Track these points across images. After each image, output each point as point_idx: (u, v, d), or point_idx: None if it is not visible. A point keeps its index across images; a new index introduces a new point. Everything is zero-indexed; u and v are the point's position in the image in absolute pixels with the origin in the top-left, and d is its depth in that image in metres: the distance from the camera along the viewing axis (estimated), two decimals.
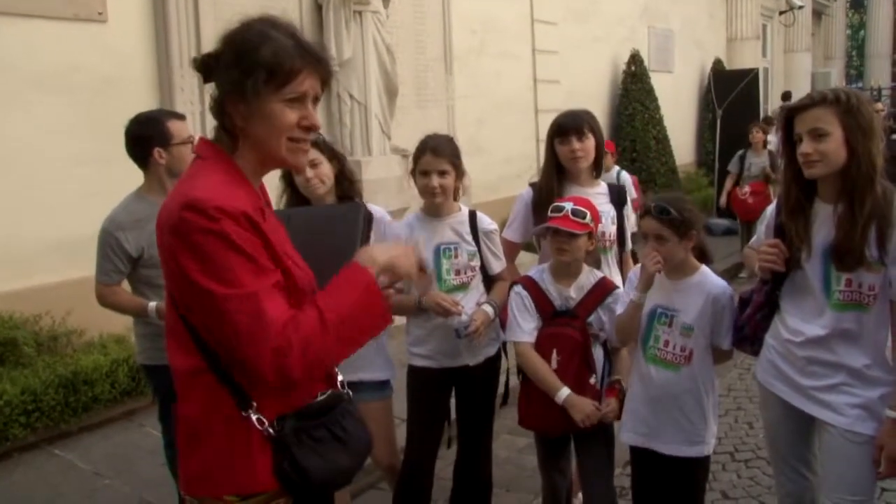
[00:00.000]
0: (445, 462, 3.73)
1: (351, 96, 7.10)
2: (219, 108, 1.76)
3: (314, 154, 3.12)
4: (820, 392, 2.60)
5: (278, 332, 1.60)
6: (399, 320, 3.25)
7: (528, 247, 4.02)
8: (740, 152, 9.87)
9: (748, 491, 4.17)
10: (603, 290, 3.17)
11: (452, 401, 3.47)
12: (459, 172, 3.26)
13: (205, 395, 1.74)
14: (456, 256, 3.27)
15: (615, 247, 3.57)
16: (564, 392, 3.00)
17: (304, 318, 1.64)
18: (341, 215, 2.03)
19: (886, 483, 3.74)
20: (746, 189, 9.39)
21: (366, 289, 1.71)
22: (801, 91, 19.66)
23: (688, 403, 2.93)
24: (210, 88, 1.79)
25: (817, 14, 25.89)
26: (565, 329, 3.08)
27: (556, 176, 3.53)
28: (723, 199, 9.98)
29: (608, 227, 3.49)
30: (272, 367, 1.60)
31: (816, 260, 2.56)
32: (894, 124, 9.00)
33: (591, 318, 3.13)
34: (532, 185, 3.68)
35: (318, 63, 1.76)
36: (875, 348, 2.54)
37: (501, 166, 9.46)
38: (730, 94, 14.34)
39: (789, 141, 2.58)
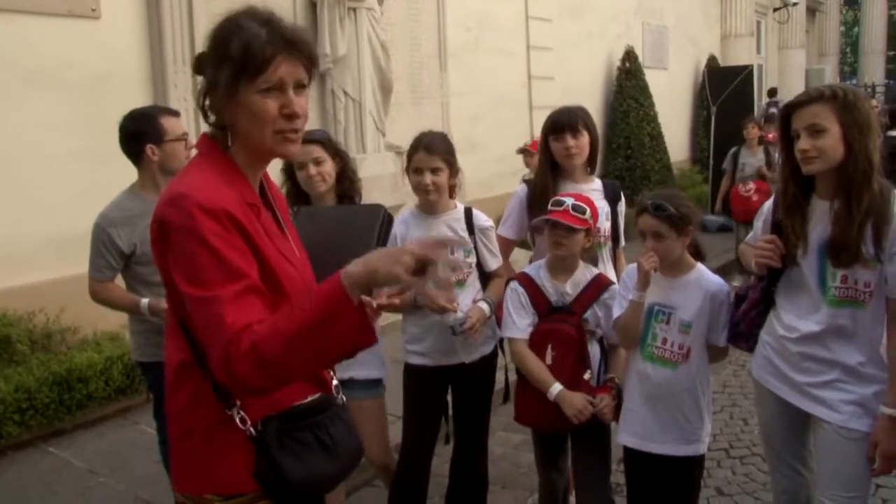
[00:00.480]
0: (442, 459, 3.73)
1: (345, 93, 7.08)
2: (203, 104, 1.75)
3: (319, 152, 3.13)
4: (815, 388, 2.60)
5: (230, 339, 1.54)
6: (395, 317, 3.25)
7: (523, 244, 4.01)
8: (734, 149, 9.35)
9: (743, 488, 4.17)
10: (599, 286, 3.17)
11: (449, 397, 3.46)
12: (453, 170, 3.26)
13: (191, 389, 1.73)
14: (452, 254, 3.25)
15: (609, 243, 3.57)
16: (556, 388, 3.00)
17: (261, 325, 1.57)
18: (362, 217, 1.99)
19: (882, 479, 3.75)
20: (751, 186, 8.75)
21: (333, 301, 1.56)
22: (795, 88, 19.76)
23: (685, 401, 2.93)
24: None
25: (811, 11, 25.92)
26: (561, 325, 3.08)
27: (550, 173, 3.52)
28: (718, 202, 9.30)
29: (602, 223, 3.48)
30: (222, 369, 1.57)
31: (812, 256, 2.56)
32: (889, 121, 8.86)
33: (588, 315, 3.13)
34: (526, 181, 3.68)
35: (294, 49, 1.69)
36: (870, 345, 2.54)
37: (496, 163, 9.45)
38: (724, 91, 14.33)
39: (787, 137, 2.58)
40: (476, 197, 7.82)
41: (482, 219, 3.38)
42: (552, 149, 3.50)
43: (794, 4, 21.20)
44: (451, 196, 3.33)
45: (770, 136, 9.15)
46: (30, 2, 5.18)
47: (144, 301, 3.25)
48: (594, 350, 3.17)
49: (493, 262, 3.39)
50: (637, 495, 3.12)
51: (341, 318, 1.56)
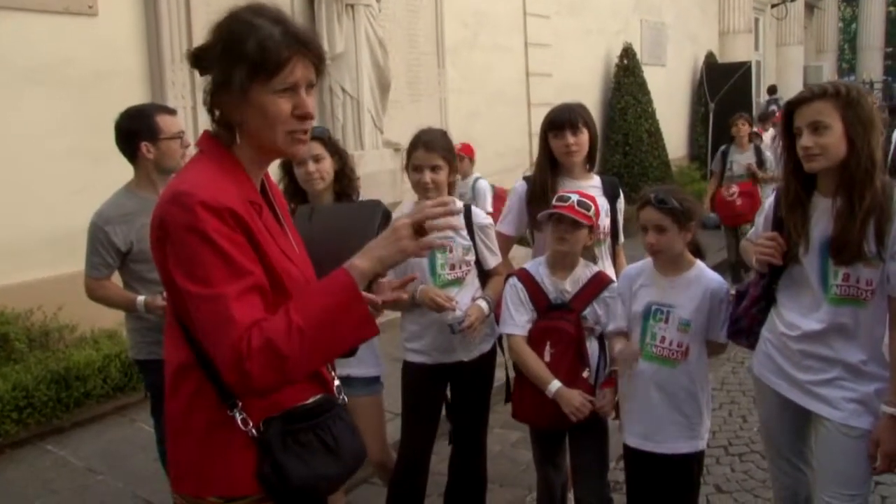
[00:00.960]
0: (440, 457, 3.72)
1: (343, 90, 7.07)
2: (212, 103, 1.73)
3: (319, 149, 3.12)
4: (815, 386, 2.60)
5: (240, 336, 1.54)
6: (394, 315, 3.24)
7: (522, 241, 4.01)
8: (723, 148, 8.66)
9: (742, 485, 4.17)
10: (598, 283, 3.16)
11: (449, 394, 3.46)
12: (453, 167, 3.26)
13: (192, 391, 1.71)
14: (450, 251, 3.25)
15: (608, 239, 3.57)
16: (555, 385, 3.00)
17: (272, 322, 1.57)
18: (360, 214, 1.99)
19: (880, 476, 3.74)
20: (734, 189, 8.11)
21: (343, 293, 1.61)
22: (793, 85, 19.77)
23: (684, 399, 2.93)
24: (202, 82, 1.76)
25: (809, 7, 25.91)
26: (559, 322, 3.08)
27: (549, 169, 3.52)
28: (706, 204, 8.39)
29: (602, 220, 3.48)
30: (232, 369, 1.55)
31: (814, 254, 2.55)
32: (890, 117, 8.74)
33: (587, 312, 3.12)
34: (526, 178, 3.67)
35: (307, 49, 1.70)
36: (871, 344, 2.53)
37: (494, 160, 9.43)
38: (722, 88, 14.36)
39: (789, 134, 2.57)
40: None
41: (481, 216, 3.37)
42: (552, 146, 3.49)
43: (793, 1, 21.18)
44: (450, 193, 3.32)
45: (761, 132, 9.02)
46: None
47: (140, 298, 3.24)
48: (593, 347, 3.16)
49: (492, 260, 3.38)
50: (637, 493, 3.12)
51: (353, 311, 1.62)
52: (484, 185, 6.43)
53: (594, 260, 3.33)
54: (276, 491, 1.70)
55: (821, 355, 2.58)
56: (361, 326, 1.65)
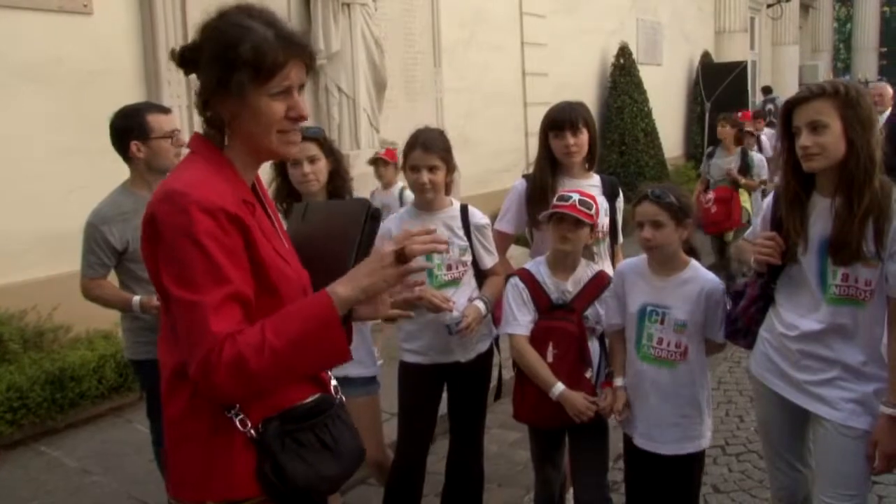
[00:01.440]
0: (437, 457, 3.71)
1: (339, 89, 7.06)
2: (204, 104, 1.72)
3: (314, 150, 3.10)
4: (814, 386, 2.59)
5: (212, 347, 1.53)
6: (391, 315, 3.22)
7: (519, 240, 4.00)
8: (709, 150, 8.26)
9: (739, 485, 4.16)
10: (599, 283, 3.15)
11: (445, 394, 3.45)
12: (450, 167, 3.24)
13: (188, 394, 1.68)
14: (447, 252, 3.24)
15: (607, 239, 3.56)
16: (559, 387, 2.99)
17: (246, 337, 1.56)
18: (348, 211, 1.98)
19: (878, 476, 3.74)
20: (710, 196, 7.70)
21: (321, 320, 1.62)
22: (788, 84, 19.80)
23: (685, 399, 2.92)
24: (197, 82, 1.75)
25: (805, 7, 25.96)
26: (562, 323, 3.07)
27: (549, 168, 3.51)
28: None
29: (601, 219, 3.47)
30: (200, 377, 1.55)
31: (813, 254, 2.54)
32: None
33: (588, 312, 3.12)
34: (525, 176, 3.66)
35: (301, 52, 1.71)
36: (870, 344, 2.53)
37: (490, 159, 9.43)
38: (718, 87, 14.37)
39: (787, 134, 2.56)
40: (470, 193, 7.82)
41: (478, 216, 3.35)
42: (552, 146, 3.48)
43: (788, 0, 21.21)
44: (447, 192, 3.31)
45: (755, 131, 8.88)
46: None
47: (136, 298, 3.23)
48: (594, 347, 3.16)
49: (489, 260, 3.37)
50: (637, 492, 3.11)
51: (328, 338, 1.63)
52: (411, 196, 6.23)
53: (593, 258, 3.32)
54: (276, 491, 1.69)
55: (819, 355, 2.57)
56: (334, 354, 1.67)
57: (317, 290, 1.72)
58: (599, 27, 12.78)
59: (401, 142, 3.30)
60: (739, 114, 10.78)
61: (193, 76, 1.75)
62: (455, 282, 3.26)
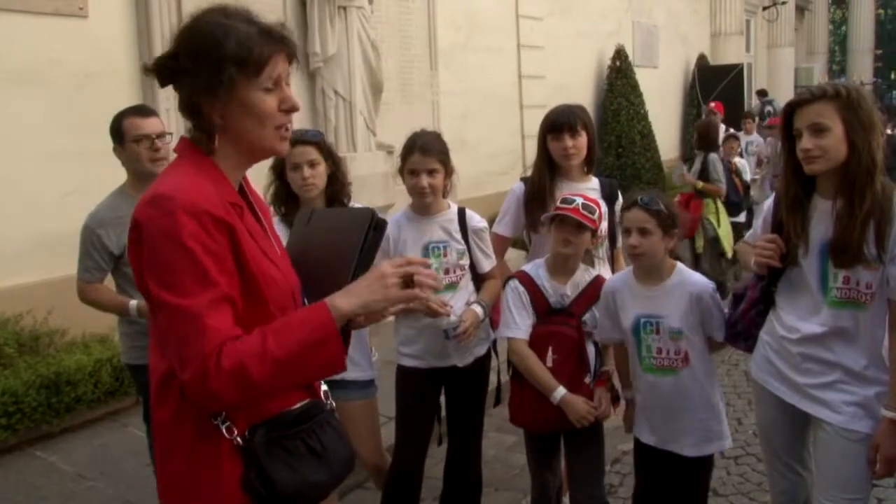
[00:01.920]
0: (435, 461, 3.69)
1: (336, 92, 7.04)
2: (192, 109, 1.69)
3: (314, 154, 3.09)
4: (815, 389, 2.58)
5: (209, 353, 1.52)
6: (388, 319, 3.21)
7: (516, 243, 3.99)
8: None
9: (738, 488, 4.16)
10: (597, 288, 3.14)
11: (443, 398, 3.43)
12: (448, 170, 3.22)
13: (177, 400, 1.66)
14: (445, 255, 3.23)
15: (606, 242, 3.55)
16: (561, 392, 2.98)
17: (245, 344, 1.56)
18: (353, 220, 1.97)
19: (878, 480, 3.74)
20: (677, 199, 7.61)
21: (321, 331, 1.62)
22: (784, 86, 19.82)
23: (696, 402, 2.91)
24: None
25: (800, 9, 26.00)
26: (562, 328, 3.06)
27: (548, 171, 3.50)
28: None
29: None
30: (196, 385, 1.53)
31: (814, 256, 2.54)
32: (886, 118, 8.67)
33: (586, 317, 3.11)
34: (524, 179, 3.65)
35: (284, 44, 1.72)
36: (872, 347, 2.52)
37: (486, 162, 9.43)
38: (714, 90, 14.40)
39: (788, 136, 2.55)
40: (466, 196, 7.79)
41: (476, 219, 3.34)
42: (550, 148, 3.48)
43: (784, 3, 21.27)
44: (445, 196, 3.30)
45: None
46: (16, 0, 5.11)
47: (133, 303, 3.21)
48: (590, 350, 3.15)
49: (487, 264, 3.35)
50: (649, 495, 3.11)
51: (326, 350, 1.63)
52: None
53: (592, 263, 3.31)
54: (263, 500, 1.67)
55: (821, 358, 2.56)
56: (331, 366, 1.67)
57: (315, 296, 1.72)
58: (596, 29, 12.79)
59: (397, 145, 3.29)
60: (712, 104, 10.51)
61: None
62: (452, 286, 3.24)
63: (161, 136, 3.31)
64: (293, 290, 1.80)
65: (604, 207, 3.48)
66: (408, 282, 1.72)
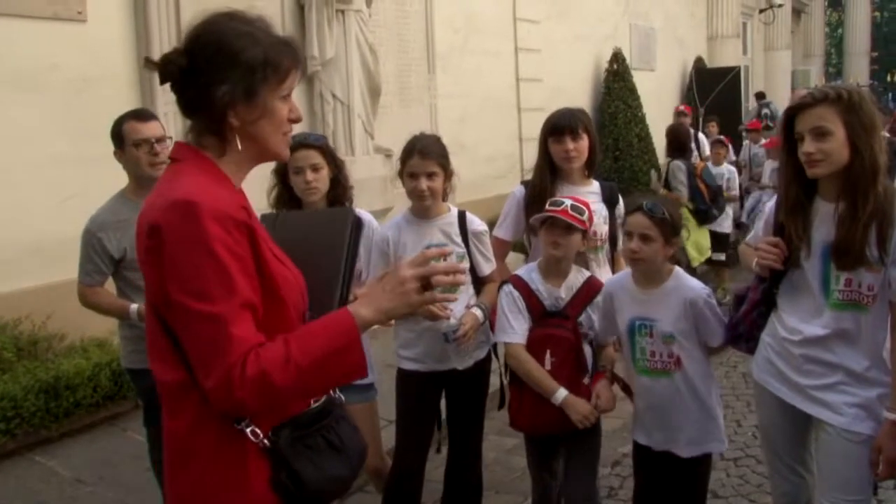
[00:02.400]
0: (435, 464, 3.69)
1: (334, 96, 7.05)
2: (206, 108, 1.66)
3: (317, 158, 3.10)
4: (817, 391, 2.58)
5: (234, 361, 1.51)
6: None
7: (516, 247, 3.99)
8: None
9: (738, 490, 4.15)
10: (591, 288, 3.15)
11: (443, 402, 3.43)
12: (448, 173, 3.23)
13: (195, 409, 1.64)
14: (444, 258, 3.23)
15: (606, 245, 3.55)
16: (562, 393, 2.98)
17: (269, 352, 1.55)
18: (330, 221, 1.97)
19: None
20: None
21: (344, 338, 1.64)
22: (781, 89, 19.83)
23: (691, 405, 2.92)
24: None
25: (797, 12, 26.05)
26: (559, 330, 3.06)
27: (549, 174, 3.51)
28: None
29: (600, 226, 3.47)
30: (221, 393, 1.53)
31: (816, 258, 2.54)
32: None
33: (581, 318, 3.11)
34: (524, 183, 3.66)
35: (300, 57, 1.79)
36: (874, 349, 2.52)
37: (484, 165, 9.42)
38: (711, 92, 14.41)
39: (789, 139, 2.56)
40: (464, 199, 7.78)
41: (476, 223, 3.34)
42: (551, 151, 3.48)
43: (780, 6, 21.28)
44: (444, 199, 3.30)
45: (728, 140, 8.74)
46: (15, 5, 5.11)
47: (134, 307, 3.20)
48: (586, 351, 3.15)
49: (487, 267, 3.35)
50: (646, 494, 3.11)
51: (348, 357, 1.65)
52: None
53: (587, 265, 3.31)
54: (293, 498, 1.68)
55: (823, 360, 2.56)
56: (352, 372, 1.68)
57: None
58: (593, 33, 12.79)
59: (395, 148, 3.29)
60: (681, 106, 10.34)
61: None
62: (452, 289, 3.24)
63: (161, 140, 3.31)
64: (301, 289, 1.80)
65: (603, 211, 3.49)
66: (425, 284, 1.73)
